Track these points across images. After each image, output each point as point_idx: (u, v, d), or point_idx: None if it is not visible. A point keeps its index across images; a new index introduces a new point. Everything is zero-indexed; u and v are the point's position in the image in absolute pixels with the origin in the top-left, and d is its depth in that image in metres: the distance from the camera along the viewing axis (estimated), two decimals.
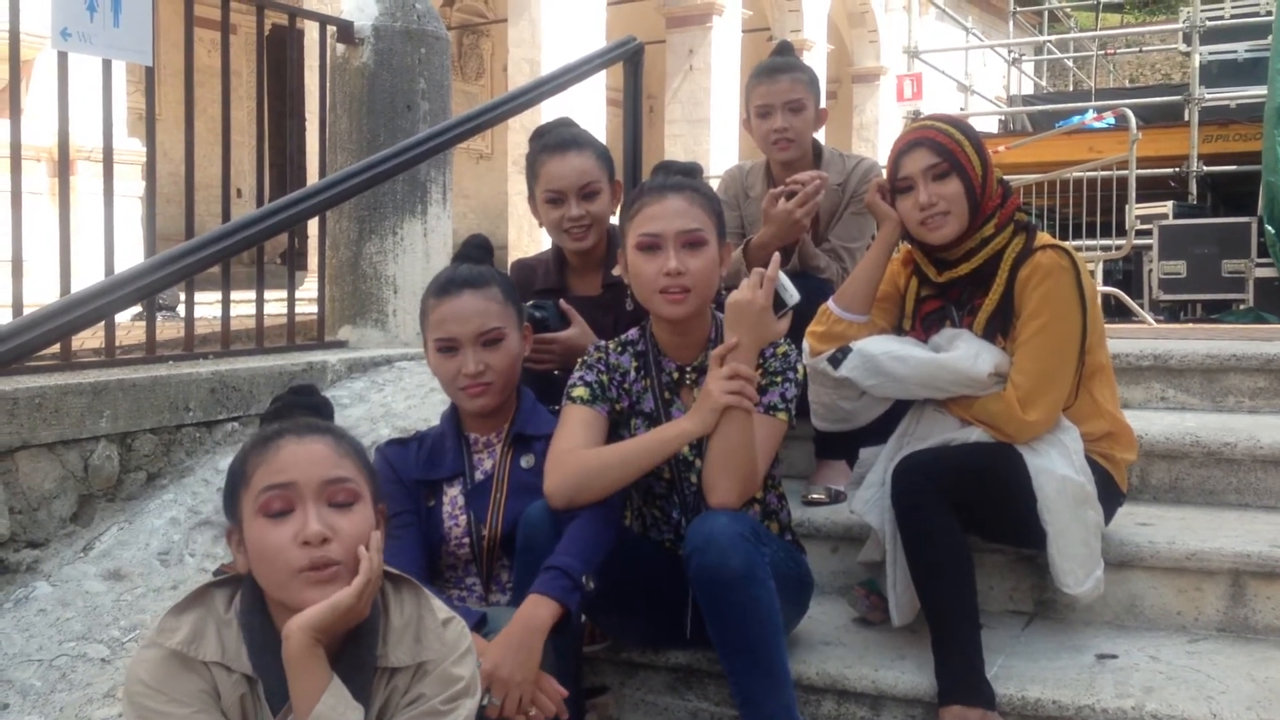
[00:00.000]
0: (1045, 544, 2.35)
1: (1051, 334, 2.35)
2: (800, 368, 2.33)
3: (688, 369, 2.33)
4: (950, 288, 2.49)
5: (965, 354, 2.38)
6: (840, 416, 2.54)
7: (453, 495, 2.29)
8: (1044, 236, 2.47)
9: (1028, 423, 2.34)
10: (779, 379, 2.27)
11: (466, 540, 2.26)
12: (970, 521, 2.35)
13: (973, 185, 2.39)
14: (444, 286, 2.30)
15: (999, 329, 2.40)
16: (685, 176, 2.31)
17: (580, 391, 2.28)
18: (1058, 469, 2.32)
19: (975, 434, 2.40)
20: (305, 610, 1.53)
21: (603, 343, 2.39)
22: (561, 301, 2.74)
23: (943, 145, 2.39)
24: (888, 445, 2.53)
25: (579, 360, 2.36)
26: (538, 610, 1.99)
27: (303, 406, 1.72)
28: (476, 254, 2.40)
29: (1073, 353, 2.38)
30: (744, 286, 2.14)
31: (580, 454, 2.17)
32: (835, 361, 2.44)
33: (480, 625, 2.04)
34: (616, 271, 2.35)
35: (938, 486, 2.29)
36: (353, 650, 1.59)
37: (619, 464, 2.16)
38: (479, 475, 2.30)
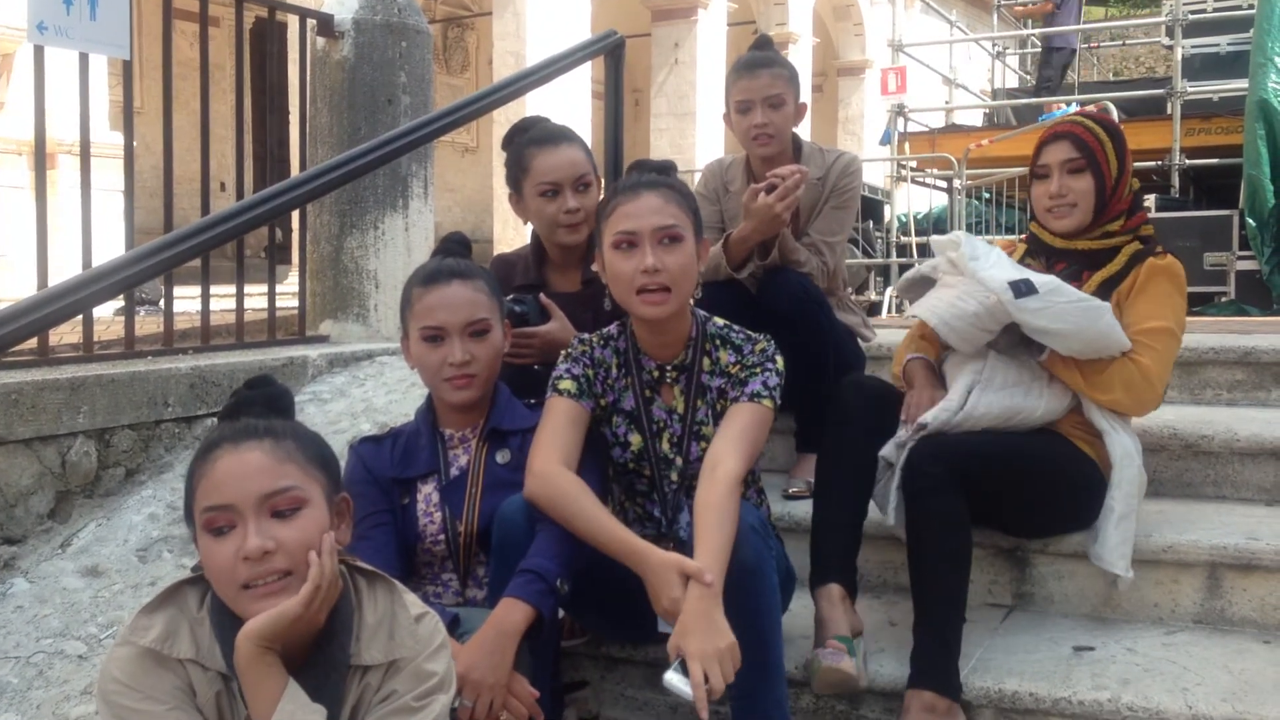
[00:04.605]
0: (1047, 532, 2.52)
1: (1172, 331, 2.49)
2: (779, 360, 2.29)
3: (668, 367, 2.32)
4: (1058, 259, 2.59)
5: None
6: (961, 329, 2.46)
7: (427, 492, 2.28)
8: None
9: (1158, 395, 2.48)
10: (758, 369, 2.25)
11: (442, 537, 2.25)
12: (982, 512, 2.40)
13: (1104, 185, 2.53)
14: (432, 275, 2.30)
15: (1105, 297, 2.49)
16: (660, 174, 2.30)
17: (567, 384, 2.27)
18: (1138, 456, 2.46)
19: (1042, 406, 2.46)
20: (252, 620, 1.51)
21: (586, 335, 2.37)
22: (542, 296, 2.73)
23: (1084, 142, 2.53)
24: (954, 394, 2.46)
25: (563, 352, 2.35)
26: (511, 614, 1.97)
27: (259, 401, 1.68)
28: (458, 250, 2.40)
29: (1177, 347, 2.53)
30: None
31: (566, 483, 2.11)
32: (1019, 291, 2.36)
33: (454, 627, 2.02)
34: (595, 268, 2.35)
35: (955, 473, 2.31)
36: (325, 649, 1.58)
37: (588, 529, 2.07)
38: (454, 471, 2.29)
